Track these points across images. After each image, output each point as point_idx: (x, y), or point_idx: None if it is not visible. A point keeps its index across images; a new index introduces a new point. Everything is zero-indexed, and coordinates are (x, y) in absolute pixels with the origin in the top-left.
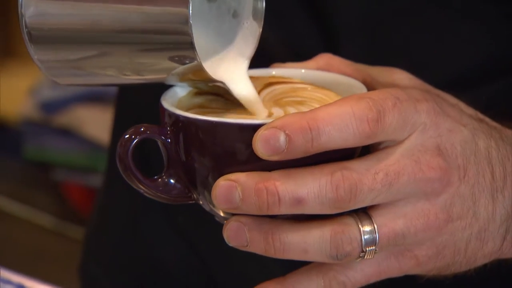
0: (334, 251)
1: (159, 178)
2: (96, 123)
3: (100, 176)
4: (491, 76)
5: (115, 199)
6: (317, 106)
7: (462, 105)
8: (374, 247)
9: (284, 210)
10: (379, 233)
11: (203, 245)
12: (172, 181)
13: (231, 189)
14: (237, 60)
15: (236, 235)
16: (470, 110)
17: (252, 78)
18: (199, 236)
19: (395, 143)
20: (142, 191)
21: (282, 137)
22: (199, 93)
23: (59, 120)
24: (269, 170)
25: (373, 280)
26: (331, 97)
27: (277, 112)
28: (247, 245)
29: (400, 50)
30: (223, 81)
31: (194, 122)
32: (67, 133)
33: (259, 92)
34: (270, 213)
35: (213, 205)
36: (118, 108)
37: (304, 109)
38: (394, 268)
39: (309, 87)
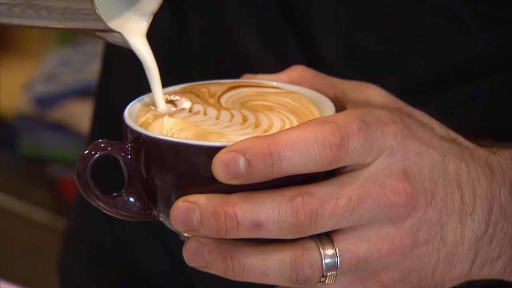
0: (294, 275)
1: (118, 196)
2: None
3: None
4: (469, 76)
5: None
6: (285, 113)
7: (434, 124)
8: (335, 272)
9: (243, 234)
10: (341, 258)
11: (177, 247)
12: (131, 199)
13: (189, 211)
14: (139, 15)
15: (196, 256)
16: (442, 130)
17: (216, 83)
18: (174, 237)
19: (360, 167)
20: (101, 208)
21: (241, 161)
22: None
23: (54, 115)
24: (231, 192)
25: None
26: (301, 102)
27: (250, 116)
28: (206, 266)
29: (377, 55)
30: (120, 31)
31: (155, 141)
32: (62, 128)
33: (220, 95)
34: (229, 237)
35: None
36: (96, 106)
37: (272, 115)
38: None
39: (278, 90)
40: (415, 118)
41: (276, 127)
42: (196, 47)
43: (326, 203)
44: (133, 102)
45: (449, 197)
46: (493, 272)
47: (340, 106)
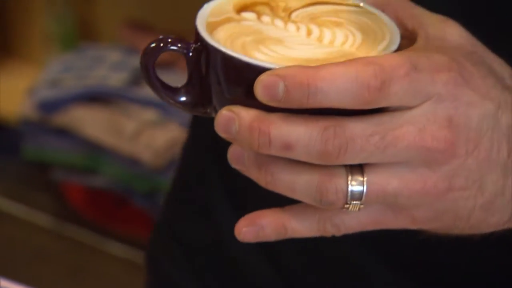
0: (319, 197)
1: (178, 89)
2: (95, 123)
3: (99, 177)
4: None
5: (188, 191)
6: (353, 29)
7: (507, 73)
8: (359, 202)
9: (274, 152)
10: (367, 189)
11: (283, 257)
12: (190, 94)
13: (230, 120)
14: None
15: (237, 159)
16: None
17: None
18: (280, 248)
19: (405, 108)
20: (164, 100)
21: (281, 87)
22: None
23: (57, 120)
24: (273, 111)
25: (368, 228)
26: (376, 22)
27: (314, 30)
28: (245, 170)
29: None
30: None
31: (211, 48)
32: (66, 133)
33: (294, 10)
34: (261, 152)
35: None
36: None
37: (338, 30)
38: (390, 221)
39: (357, 9)
40: (483, 65)
41: (337, 42)
42: None
43: (358, 138)
44: (210, 1)
45: (495, 149)
46: None
47: (413, 38)
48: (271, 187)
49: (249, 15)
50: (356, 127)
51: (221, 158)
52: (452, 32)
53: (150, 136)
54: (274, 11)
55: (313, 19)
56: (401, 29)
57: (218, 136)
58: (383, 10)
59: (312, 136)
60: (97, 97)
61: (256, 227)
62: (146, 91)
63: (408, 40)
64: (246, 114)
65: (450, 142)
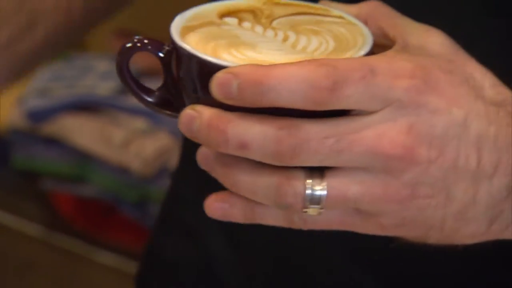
0: (278, 200)
1: (152, 91)
2: (84, 132)
3: (88, 186)
4: None
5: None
6: (328, 38)
7: (487, 83)
8: (319, 206)
9: (232, 151)
10: (326, 194)
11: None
12: (164, 96)
13: (192, 118)
14: None
15: (205, 161)
16: (493, 90)
17: (284, 3)
18: (268, 270)
19: (366, 113)
20: (137, 99)
21: (234, 85)
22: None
23: (46, 129)
24: (238, 111)
25: (334, 228)
26: (353, 32)
27: (291, 36)
28: (212, 172)
29: None
30: None
31: (178, 47)
32: (55, 142)
33: (276, 18)
34: (219, 150)
35: None
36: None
37: (314, 38)
38: (358, 226)
39: (338, 20)
40: (459, 74)
41: (310, 49)
42: None
43: (312, 140)
44: (194, 7)
45: (462, 158)
46: None
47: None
48: (235, 189)
49: (231, 20)
50: (312, 129)
51: (211, 181)
52: (433, 41)
53: (139, 145)
54: (257, 18)
55: (293, 26)
56: (384, 39)
57: None
58: (366, 21)
59: (267, 135)
60: (86, 106)
61: (225, 204)
62: (135, 100)
63: (389, 49)
64: (206, 113)
65: (409, 148)
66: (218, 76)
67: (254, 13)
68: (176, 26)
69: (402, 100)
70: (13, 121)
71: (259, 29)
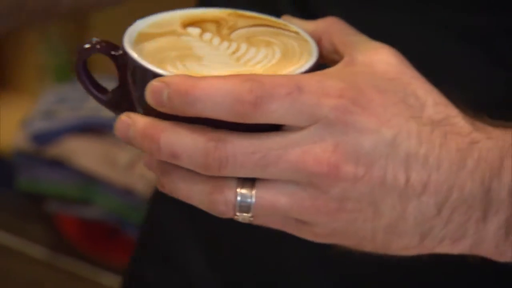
0: (211, 207)
1: (106, 92)
2: (89, 154)
3: (93, 208)
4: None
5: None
6: (277, 51)
7: (430, 101)
8: (248, 215)
9: (164, 159)
10: (255, 204)
11: None
12: (117, 98)
13: (127, 126)
14: None
15: (149, 165)
16: (433, 109)
17: (247, 16)
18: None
19: (296, 129)
20: (92, 97)
21: (165, 93)
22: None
23: (51, 151)
24: (177, 119)
25: (269, 225)
26: (303, 47)
27: (242, 48)
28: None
29: None
30: None
31: (124, 52)
32: (60, 164)
33: (237, 29)
34: (153, 157)
35: None
36: None
37: (262, 50)
38: (294, 231)
39: (294, 35)
40: (397, 93)
41: (253, 62)
42: None
43: (239, 154)
44: (159, 13)
45: (390, 176)
46: (457, 249)
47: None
48: (174, 194)
49: (193, 31)
50: (239, 143)
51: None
52: (380, 59)
53: (144, 167)
54: (219, 28)
55: (248, 38)
56: (336, 55)
57: None
58: (321, 38)
59: (196, 147)
60: (90, 128)
61: (131, 120)
62: None
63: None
64: (141, 121)
65: (333, 166)
66: (152, 84)
67: (218, 23)
68: (132, 31)
69: (329, 118)
70: (18, 143)
71: (216, 40)
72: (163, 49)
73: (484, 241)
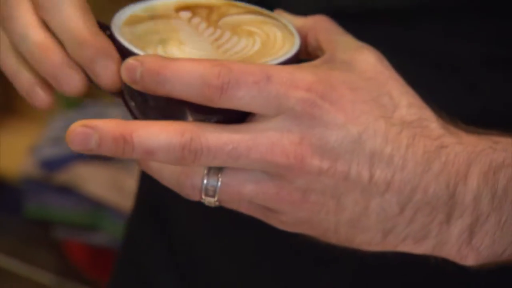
0: (179, 188)
1: None
2: (97, 180)
3: (101, 234)
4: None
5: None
6: (258, 40)
7: (404, 102)
8: (214, 199)
9: (139, 157)
10: (220, 190)
11: None
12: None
13: (87, 135)
14: None
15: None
16: (406, 110)
17: (239, 5)
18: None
19: (265, 118)
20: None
21: (138, 71)
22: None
23: (59, 178)
24: (154, 105)
25: (237, 209)
26: (285, 39)
27: (225, 36)
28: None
29: None
30: None
31: (112, 32)
32: (68, 191)
33: (225, 16)
34: (125, 157)
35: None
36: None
37: (244, 39)
38: (261, 217)
39: (282, 26)
40: (370, 92)
41: (232, 52)
42: None
43: (212, 147)
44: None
45: (354, 172)
46: (420, 249)
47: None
48: (148, 172)
49: (184, 14)
50: (212, 136)
51: (166, 229)
52: (360, 58)
53: None
54: (209, 14)
55: (234, 26)
56: (320, 53)
57: (161, 209)
58: (307, 34)
59: (170, 143)
60: (98, 155)
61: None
62: None
63: None
64: (105, 126)
65: (299, 158)
66: (128, 61)
67: (210, 9)
68: (124, 13)
69: (295, 110)
70: (26, 169)
71: (203, 26)
72: (151, 32)
73: (447, 243)
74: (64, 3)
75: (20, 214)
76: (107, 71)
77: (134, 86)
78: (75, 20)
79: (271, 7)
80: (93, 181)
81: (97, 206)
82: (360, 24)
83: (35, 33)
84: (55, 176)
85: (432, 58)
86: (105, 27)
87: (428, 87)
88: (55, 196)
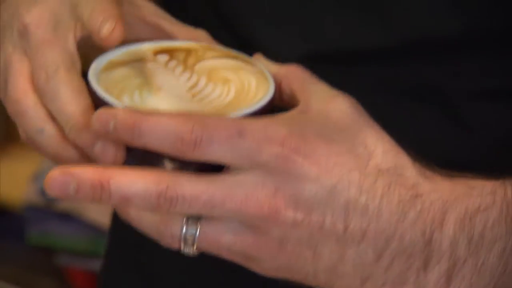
0: (158, 237)
1: None
2: (98, 207)
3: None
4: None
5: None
6: (232, 89)
7: (379, 150)
8: (193, 249)
9: (116, 204)
10: (199, 239)
11: None
12: None
13: (66, 183)
14: None
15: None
16: (382, 158)
17: (216, 49)
18: None
19: (241, 170)
20: None
21: (111, 124)
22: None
23: (61, 205)
24: (133, 155)
25: (218, 256)
26: (259, 88)
27: (200, 83)
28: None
29: None
30: None
31: (88, 79)
32: (70, 218)
33: (202, 60)
34: (103, 203)
35: None
36: None
37: (220, 87)
38: (240, 261)
39: (258, 73)
40: (343, 143)
41: (210, 98)
42: None
43: (187, 196)
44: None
45: (328, 223)
46: None
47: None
48: (128, 220)
49: (161, 58)
50: (187, 185)
51: (144, 264)
52: (334, 107)
53: None
54: (187, 57)
55: (211, 71)
56: (295, 102)
57: (140, 243)
58: (281, 82)
59: (147, 191)
60: None
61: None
62: None
63: None
64: (83, 173)
65: (273, 210)
66: (99, 112)
67: (187, 52)
68: (103, 58)
69: (269, 165)
70: (28, 197)
71: (179, 69)
72: (128, 77)
73: None
74: (60, 88)
75: (22, 241)
76: (104, 155)
77: (107, 137)
78: (73, 105)
79: (252, 50)
80: (95, 208)
81: (99, 233)
82: (347, 66)
83: (50, 128)
84: (57, 204)
85: (418, 93)
86: (85, 75)
87: (413, 122)
88: (57, 223)
